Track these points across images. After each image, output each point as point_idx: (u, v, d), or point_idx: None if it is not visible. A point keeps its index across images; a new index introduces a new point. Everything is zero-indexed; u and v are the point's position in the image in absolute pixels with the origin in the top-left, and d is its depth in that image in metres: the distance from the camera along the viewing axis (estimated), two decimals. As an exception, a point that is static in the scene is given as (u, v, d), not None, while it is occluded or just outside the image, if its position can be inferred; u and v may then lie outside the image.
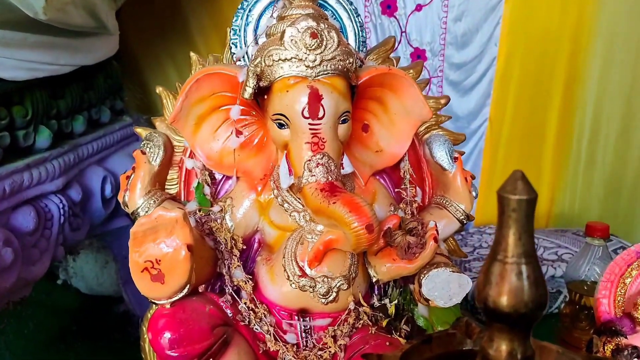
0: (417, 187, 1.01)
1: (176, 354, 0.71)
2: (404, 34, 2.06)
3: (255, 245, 0.92)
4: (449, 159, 0.99)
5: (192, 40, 2.02)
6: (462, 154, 1.03)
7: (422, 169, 1.03)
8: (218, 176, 0.96)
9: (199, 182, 0.91)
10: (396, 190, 0.99)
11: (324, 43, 0.77)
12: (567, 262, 1.52)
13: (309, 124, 0.78)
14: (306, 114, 0.77)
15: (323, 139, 0.78)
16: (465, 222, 1.00)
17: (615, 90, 2.18)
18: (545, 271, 1.67)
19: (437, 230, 0.83)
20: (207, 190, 0.90)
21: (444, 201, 0.98)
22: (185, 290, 0.72)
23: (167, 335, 0.71)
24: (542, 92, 2.24)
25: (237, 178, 0.91)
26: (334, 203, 0.75)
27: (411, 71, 1.01)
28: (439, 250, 0.93)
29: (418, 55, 2.09)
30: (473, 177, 1.04)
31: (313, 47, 0.76)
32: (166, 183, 0.97)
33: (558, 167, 2.31)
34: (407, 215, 0.95)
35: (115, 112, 1.49)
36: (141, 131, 0.98)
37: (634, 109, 2.17)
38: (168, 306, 0.73)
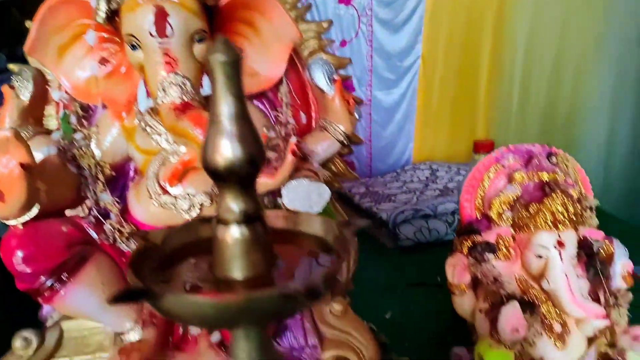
0: (302, 112, 1.03)
1: (29, 270, 0.73)
2: (328, -29, 2.02)
3: (132, 173, 0.94)
4: (327, 81, 1.01)
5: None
6: (346, 79, 1.05)
7: (307, 93, 1.04)
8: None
9: (65, 112, 0.91)
10: (274, 113, 1.00)
11: None
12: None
13: (158, 43, 0.78)
14: (153, 32, 0.77)
15: (175, 58, 0.79)
16: (346, 142, 1.03)
17: (546, 26, 2.18)
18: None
19: (296, 146, 0.85)
20: (73, 119, 0.90)
21: (325, 123, 1.01)
22: (34, 210, 0.73)
23: (19, 253, 0.73)
24: (474, 29, 2.23)
25: (104, 106, 0.91)
26: (181, 120, 0.77)
27: (289, -8, 1.01)
28: (312, 167, 0.96)
29: (345, -7, 2.05)
30: (359, 102, 1.06)
31: None
32: (45, 119, 0.97)
33: (493, 105, 2.34)
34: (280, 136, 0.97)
35: (16, 59, 1.45)
36: (13, 67, 0.97)
37: (565, 45, 2.18)
38: (20, 227, 0.74)
